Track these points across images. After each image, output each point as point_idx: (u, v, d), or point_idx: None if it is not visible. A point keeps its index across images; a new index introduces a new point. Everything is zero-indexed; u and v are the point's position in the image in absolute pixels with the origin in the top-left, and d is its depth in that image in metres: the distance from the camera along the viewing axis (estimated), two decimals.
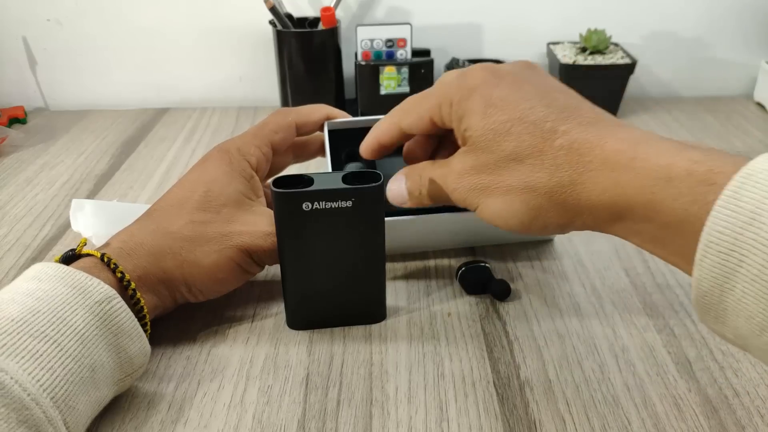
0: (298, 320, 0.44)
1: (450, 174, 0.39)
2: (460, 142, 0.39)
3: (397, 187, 0.42)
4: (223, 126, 0.81)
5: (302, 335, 0.44)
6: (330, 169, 0.49)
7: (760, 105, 0.86)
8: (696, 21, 0.86)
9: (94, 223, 0.52)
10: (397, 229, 0.47)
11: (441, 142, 0.45)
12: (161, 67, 0.87)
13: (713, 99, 0.88)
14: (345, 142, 0.51)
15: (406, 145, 0.46)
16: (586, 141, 0.33)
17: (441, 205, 0.42)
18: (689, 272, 0.29)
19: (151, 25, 0.85)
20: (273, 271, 0.50)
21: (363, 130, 0.46)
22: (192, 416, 0.37)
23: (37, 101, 0.89)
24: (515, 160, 0.35)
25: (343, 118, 0.51)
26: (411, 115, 0.41)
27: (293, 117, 0.49)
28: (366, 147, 0.44)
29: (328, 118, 0.51)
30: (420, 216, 0.47)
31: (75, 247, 0.40)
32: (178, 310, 0.46)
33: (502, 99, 0.36)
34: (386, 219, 0.41)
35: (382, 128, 0.43)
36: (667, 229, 0.30)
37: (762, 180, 0.26)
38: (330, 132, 0.50)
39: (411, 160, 0.45)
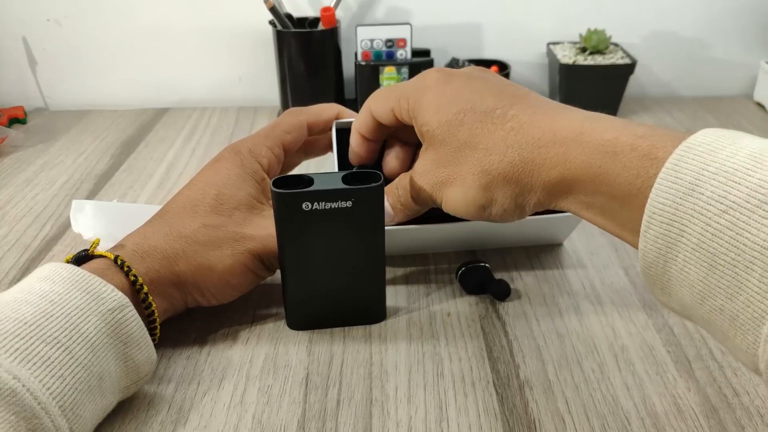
0: (298, 320, 0.44)
1: (414, 176, 0.41)
2: (420, 140, 0.41)
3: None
4: (222, 126, 0.81)
5: (302, 335, 0.44)
6: (337, 169, 0.49)
7: (760, 105, 0.86)
8: (696, 21, 0.86)
9: (94, 224, 0.52)
10: (397, 238, 0.47)
11: (417, 152, 0.45)
12: (161, 67, 0.88)
13: (713, 99, 0.89)
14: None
15: (384, 158, 0.47)
16: (534, 121, 0.35)
17: (424, 210, 0.43)
18: (637, 245, 0.30)
19: (151, 25, 0.85)
20: None
21: None
22: (192, 416, 0.37)
23: (37, 101, 0.89)
24: (469, 147, 0.37)
25: (352, 117, 0.51)
26: (379, 103, 0.43)
27: (305, 117, 0.49)
28: (351, 147, 0.46)
29: (339, 118, 0.51)
30: (420, 226, 0.47)
31: (88, 248, 0.39)
32: None
33: (454, 94, 0.39)
34: (387, 228, 0.41)
35: (360, 118, 0.45)
36: (613, 201, 0.31)
37: (701, 152, 0.27)
38: (338, 131, 0.50)
39: (388, 170, 0.46)
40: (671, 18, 0.86)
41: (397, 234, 0.46)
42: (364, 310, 0.44)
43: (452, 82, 0.39)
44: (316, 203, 0.39)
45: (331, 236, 0.40)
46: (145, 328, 0.36)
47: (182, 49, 0.86)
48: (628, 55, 0.81)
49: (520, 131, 0.35)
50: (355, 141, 0.46)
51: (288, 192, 0.38)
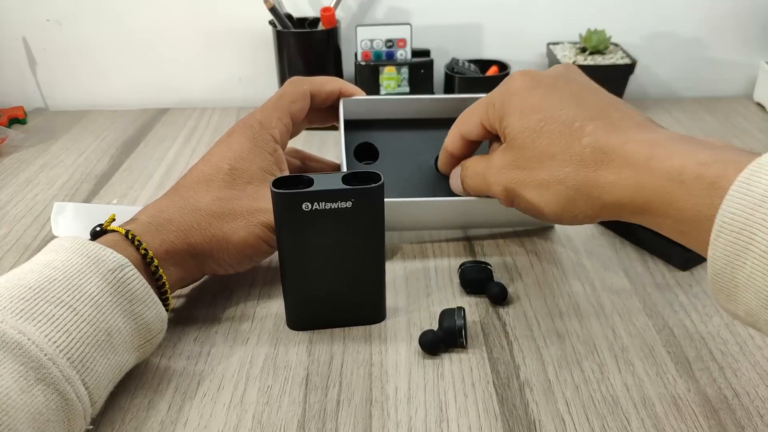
0: (298, 321, 0.44)
1: (490, 169, 0.43)
2: (502, 139, 0.43)
3: (454, 179, 0.49)
4: (223, 126, 0.81)
5: (302, 335, 0.44)
6: (343, 147, 0.50)
7: (760, 105, 0.86)
8: (696, 21, 0.86)
9: (74, 226, 0.51)
10: (396, 211, 0.49)
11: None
12: (161, 67, 0.87)
13: (713, 99, 0.88)
14: (359, 122, 0.52)
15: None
16: (609, 141, 0.37)
17: (484, 196, 0.47)
18: (706, 254, 0.31)
19: (151, 25, 0.85)
20: (273, 270, 0.50)
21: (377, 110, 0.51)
22: (192, 416, 0.37)
23: (37, 101, 0.89)
24: (547, 156, 0.39)
25: (357, 95, 0.52)
26: (467, 123, 0.46)
27: (308, 86, 0.50)
28: (441, 163, 0.50)
29: (342, 92, 0.51)
30: (418, 199, 0.49)
31: (102, 223, 0.40)
32: (177, 310, 0.46)
33: (539, 101, 0.40)
34: (387, 200, 0.41)
35: (449, 140, 0.48)
36: (682, 223, 0.33)
37: None
38: (345, 114, 0.51)
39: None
40: (671, 18, 0.86)
41: (397, 206, 0.48)
42: (364, 310, 0.44)
43: (538, 87, 0.41)
44: (316, 203, 0.39)
45: (331, 236, 0.40)
46: (149, 286, 0.37)
47: (182, 49, 0.86)
48: (628, 56, 0.81)
49: (594, 149, 0.37)
50: (445, 160, 0.49)
51: (288, 192, 0.38)
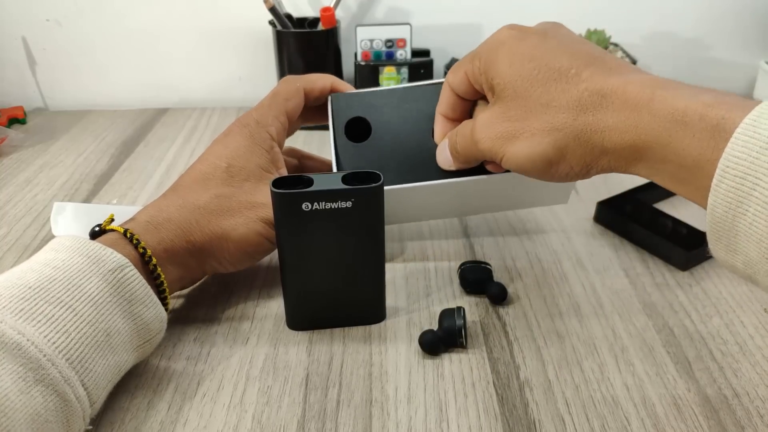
0: (298, 321, 0.44)
1: (477, 125, 0.40)
2: (488, 94, 0.41)
3: (442, 151, 0.45)
4: (222, 126, 0.80)
5: (302, 335, 0.44)
6: (332, 141, 0.49)
7: None
8: (696, 21, 0.86)
9: (74, 227, 0.51)
10: (395, 199, 0.47)
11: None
12: (161, 67, 0.87)
13: None
14: (348, 114, 0.51)
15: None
16: (608, 84, 0.35)
17: (476, 163, 0.44)
18: (704, 205, 0.30)
19: (151, 25, 0.85)
20: (273, 270, 0.50)
21: (365, 102, 0.49)
22: (191, 417, 0.37)
23: (37, 101, 0.89)
24: (541, 104, 0.37)
25: (346, 89, 0.51)
26: (454, 72, 0.43)
27: (301, 83, 0.50)
28: (435, 130, 0.46)
29: (333, 87, 0.51)
30: (418, 184, 0.47)
31: (101, 223, 0.40)
32: (177, 310, 0.46)
33: (531, 49, 0.38)
34: (386, 188, 0.40)
35: (441, 98, 0.45)
36: (683, 169, 0.31)
37: None
38: (333, 105, 0.50)
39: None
40: (671, 18, 0.86)
41: (398, 194, 0.46)
42: (364, 310, 0.44)
43: (527, 38, 0.39)
44: (316, 203, 0.39)
45: (331, 236, 0.40)
46: (149, 286, 0.37)
47: (182, 49, 0.86)
48: (628, 55, 0.81)
49: (593, 93, 0.35)
50: (439, 124, 0.46)
51: (288, 192, 0.38)
